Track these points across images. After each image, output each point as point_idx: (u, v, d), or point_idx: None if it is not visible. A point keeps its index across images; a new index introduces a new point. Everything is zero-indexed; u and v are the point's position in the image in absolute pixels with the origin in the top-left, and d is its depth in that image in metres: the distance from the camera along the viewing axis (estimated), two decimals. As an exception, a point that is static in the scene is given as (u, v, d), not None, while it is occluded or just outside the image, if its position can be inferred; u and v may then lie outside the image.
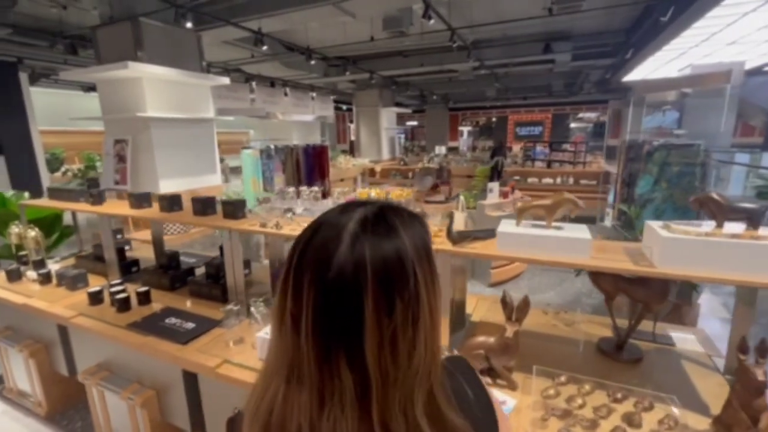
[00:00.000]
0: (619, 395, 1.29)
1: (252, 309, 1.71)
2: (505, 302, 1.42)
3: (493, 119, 17.55)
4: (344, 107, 15.17)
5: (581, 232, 1.38)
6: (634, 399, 1.27)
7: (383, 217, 0.51)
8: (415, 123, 18.43)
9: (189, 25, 4.42)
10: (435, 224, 1.69)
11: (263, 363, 0.58)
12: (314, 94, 12.05)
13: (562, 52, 8.46)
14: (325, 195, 1.99)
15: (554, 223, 1.43)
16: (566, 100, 15.69)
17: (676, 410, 1.22)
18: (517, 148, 12.04)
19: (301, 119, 7.91)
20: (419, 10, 5.17)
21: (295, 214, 1.88)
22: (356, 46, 8.17)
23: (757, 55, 8.31)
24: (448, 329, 1.55)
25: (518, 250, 1.40)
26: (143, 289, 2.09)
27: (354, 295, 0.47)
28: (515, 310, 1.40)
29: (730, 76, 3.03)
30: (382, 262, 0.48)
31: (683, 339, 1.73)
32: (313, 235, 0.51)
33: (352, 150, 13.60)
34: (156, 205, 2.29)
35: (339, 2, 4.87)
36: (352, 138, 13.87)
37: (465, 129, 16.16)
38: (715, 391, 1.38)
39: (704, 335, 1.79)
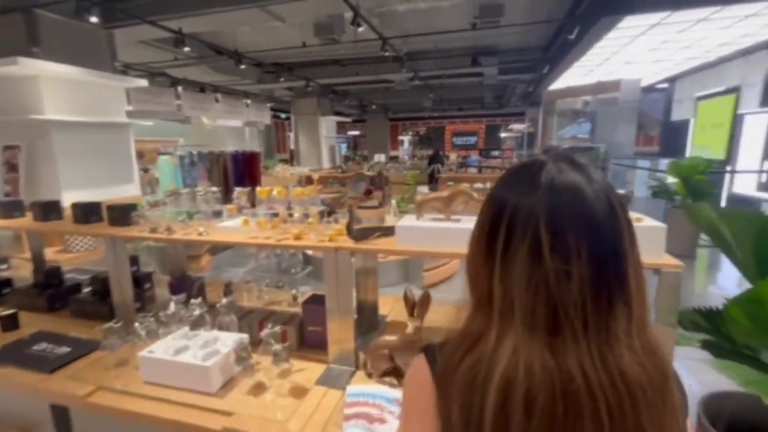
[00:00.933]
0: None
1: (137, 326, 1.53)
2: (406, 298, 1.40)
3: (431, 129, 18.15)
4: (283, 116, 14.85)
5: (477, 223, 1.40)
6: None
7: (576, 162, 0.53)
8: (357, 132, 18.52)
9: (94, 19, 4.03)
10: (337, 225, 1.62)
11: (461, 330, 0.54)
12: (249, 101, 11.66)
13: (489, 65, 8.98)
14: (254, 204, 1.84)
15: (453, 216, 1.44)
16: (497, 112, 16.70)
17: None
18: (453, 156, 12.52)
19: (232, 125, 7.54)
20: (350, 17, 5.20)
21: (192, 218, 1.73)
22: (290, 53, 8.04)
23: (652, 73, 9.47)
24: (353, 331, 1.49)
25: (418, 243, 1.39)
26: (8, 312, 1.80)
27: (612, 228, 0.48)
28: (417, 306, 1.38)
29: (619, 86, 3.36)
30: (615, 194, 0.50)
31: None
32: (545, 186, 0.49)
33: (293, 159, 13.30)
34: (30, 215, 2.00)
35: (265, 5, 4.74)
36: (292, 147, 13.58)
37: (405, 138, 16.57)
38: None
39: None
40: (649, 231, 1.19)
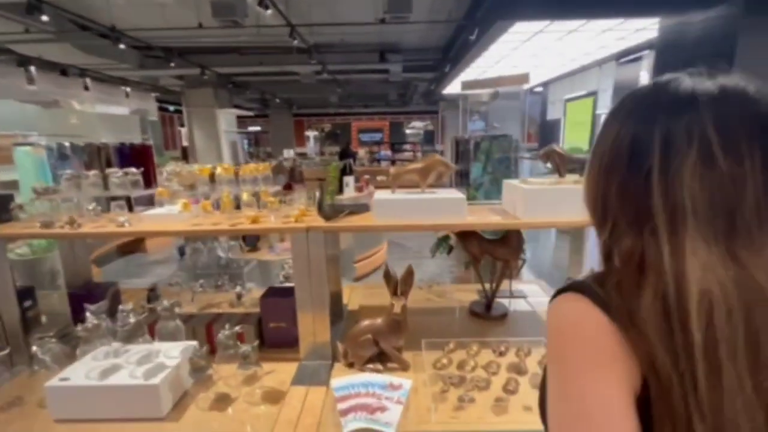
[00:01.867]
0: (502, 348, 1.32)
1: (36, 350, 1.15)
2: (388, 276, 1.31)
3: (337, 126, 18.05)
4: (171, 108, 13.21)
5: (454, 194, 1.38)
6: (514, 349, 1.32)
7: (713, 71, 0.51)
8: (258, 128, 17.44)
9: None
10: (300, 206, 1.45)
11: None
12: (128, 89, 10.08)
13: (394, 62, 9.23)
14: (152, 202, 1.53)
15: (427, 189, 1.39)
16: (400, 110, 17.34)
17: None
18: (362, 152, 12.62)
19: (116, 112, 6.43)
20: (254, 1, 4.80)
21: (99, 208, 1.38)
22: (182, 35, 7.14)
23: (532, 76, 10.84)
24: (328, 321, 1.35)
25: (397, 217, 1.31)
26: None
27: None
28: (400, 283, 1.30)
29: (498, 82, 3.73)
30: None
31: (531, 290, 1.96)
32: (705, 94, 0.47)
33: (186, 156, 11.95)
34: None
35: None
36: (185, 143, 12.21)
37: (311, 134, 16.14)
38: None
39: (543, 284, 2.07)
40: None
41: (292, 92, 12.75)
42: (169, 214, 1.37)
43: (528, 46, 7.65)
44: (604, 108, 9.38)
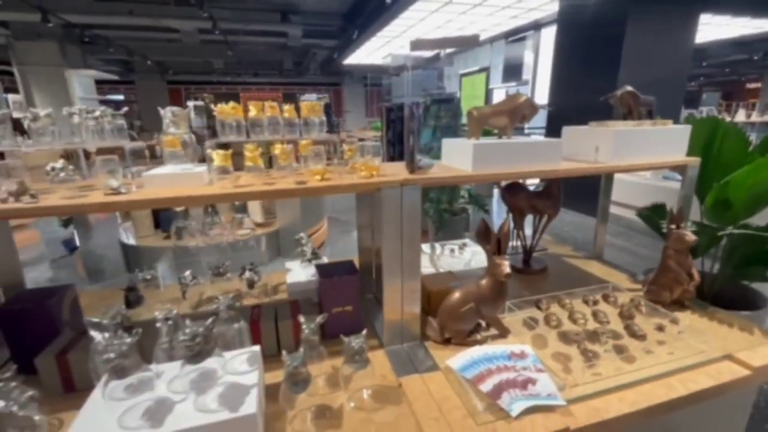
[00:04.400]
0: (590, 298, 1.28)
1: None
2: (487, 233, 1.13)
3: (221, 96, 16.13)
4: (-11, 67, 10.00)
5: (543, 138, 1.25)
6: (594, 297, 1.29)
7: None
8: (121, 97, 14.49)
9: None
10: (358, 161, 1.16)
11: None
12: None
13: (296, 24, 8.48)
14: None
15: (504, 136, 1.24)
16: (295, 80, 16.33)
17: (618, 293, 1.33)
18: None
19: None
20: None
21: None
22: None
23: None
24: (419, 294, 1.12)
25: (495, 165, 1.13)
26: None
27: None
28: (501, 240, 1.14)
29: (448, 42, 3.76)
30: None
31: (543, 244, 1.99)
32: None
33: (20, 130, 9.27)
34: None
35: None
36: (18, 114, 9.43)
37: (192, 104, 14.01)
38: (604, 271, 1.64)
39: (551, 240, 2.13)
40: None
41: (168, 54, 10.81)
42: (183, 174, 0.93)
43: (435, 18, 7.82)
44: (497, 82, 10.28)
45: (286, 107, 1.08)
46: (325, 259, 1.54)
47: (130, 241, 3.65)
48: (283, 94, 16.94)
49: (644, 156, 1.27)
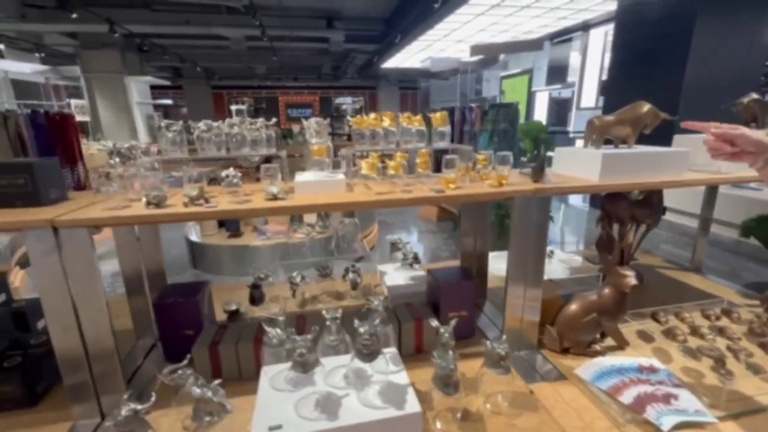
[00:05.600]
0: (711, 312, 1.24)
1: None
2: (610, 242, 1.12)
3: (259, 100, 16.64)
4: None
5: (663, 148, 1.23)
6: (716, 312, 1.25)
7: None
8: (169, 101, 15.25)
9: None
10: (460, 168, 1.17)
11: None
12: (2, 47, 7.88)
13: (340, 30, 8.65)
14: (81, 186, 1.15)
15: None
16: (331, 84, 16.62)
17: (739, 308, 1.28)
18: (297, 128, 11.82)
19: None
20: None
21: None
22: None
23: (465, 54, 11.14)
24: (540, 298, 1.13)
25: (622, 175, 1.12)
26: None
27: None
28: (623, 249, 1.12)
29: (512, 47, 3.70)
30: None
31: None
32: None
33: (86, 131, 9.96)
34: None
35: None
36: (83, 117, 10.15)
37: (240, 108, 14.54)
38: (706, 284, 1.58)
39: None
40: None
41: (216, 60, 11.29)
42: (333, 181, 0.98)
43: (480, 21, 7.75)
44: (540, 85, 10.04)
45: (415, 118, 1.12)
46: (418, 265, 1.57)
47: (196, 238, 3.83)
48: (319, 98, 17.31)
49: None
